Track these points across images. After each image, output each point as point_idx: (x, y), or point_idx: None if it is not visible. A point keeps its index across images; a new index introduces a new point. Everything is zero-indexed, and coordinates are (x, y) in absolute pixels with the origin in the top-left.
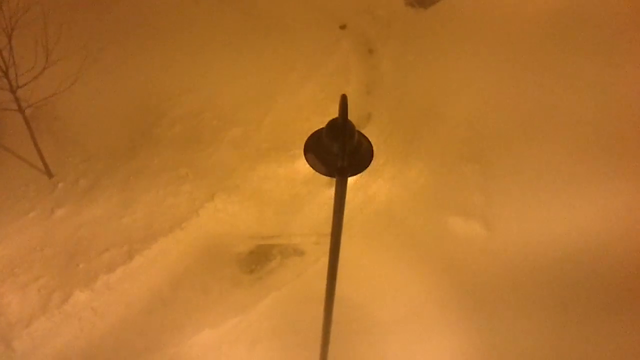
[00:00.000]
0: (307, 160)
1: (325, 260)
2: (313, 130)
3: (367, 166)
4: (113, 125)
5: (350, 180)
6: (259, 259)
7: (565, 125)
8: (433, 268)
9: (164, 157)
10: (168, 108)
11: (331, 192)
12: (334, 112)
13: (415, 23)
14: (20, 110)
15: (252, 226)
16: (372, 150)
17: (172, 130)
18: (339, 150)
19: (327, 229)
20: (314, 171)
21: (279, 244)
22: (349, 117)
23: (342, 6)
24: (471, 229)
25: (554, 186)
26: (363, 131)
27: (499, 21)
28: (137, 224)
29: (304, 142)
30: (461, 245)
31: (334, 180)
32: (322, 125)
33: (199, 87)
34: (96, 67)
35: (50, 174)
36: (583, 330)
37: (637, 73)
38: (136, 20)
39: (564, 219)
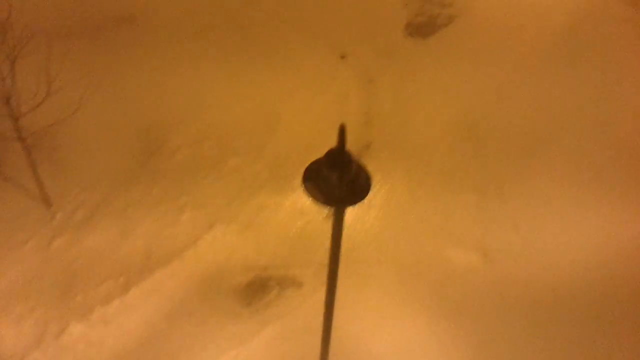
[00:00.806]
0: (305, 190)
1: (323, 291)
2: (313, 160)
3: (365, 196)
4: (112, 155)
5: (349, 210)
6: (257, 290)
7: (562, 155)
8: (431, 300)
9: (163, 187)
10: (167, 137)
11: (330, 222)
12: (333, 142)
13: (415, 52)
14: (21, 139)
15: (251, 257)
16: (370, 180)
17: (171, 160)
18: (337, 180)
19: (326, 259)
20: (313, 201)
21: (277, 275)
22: (348, 147)
23: (342, 36)
24: (469, 259)
25: (552, 215)
26: (362, 160)
27: (496, 51)
28: (135, 254)
29: (303, 171)
30: (459, 276)
31: (332, 210)
32: (322, 154)
33: (199, 116)
34: (97, 97)
35: (49, 204)
36: None
37: None
38: (137, 50)
39: (564, 247)
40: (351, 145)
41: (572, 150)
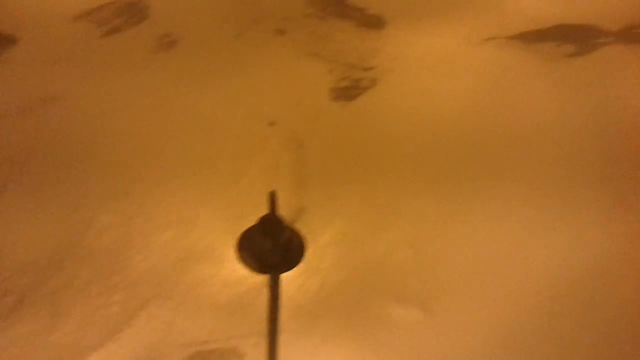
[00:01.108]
0: (240, 259)
1: None
2: (246, 228)
3: (300, 260)
4: (40, 237)
5: (285, 276)
6: None
7: (497, 206)
8: (375, 358)
9: (94, 267)
10: (96, 215)
11: (266, 289)
12: (266, 209)
13: (341, 116)
14: None
15: (189, 332)
16: (304, 244)
17: (101, 239)
18: (271, 247)
19: (265, 328)
20: (248, 270)
21: (218, 348)
22: (282, 212)
23: (270, 103)
24: (410, 315)
25: (492, 265)
26: (296, 225)
27: (418, 107)
28: (67, 340)
29: (237, 240)
30: (402, 332)
31: (268, 277)
32: (255, 222)
33: (128, 192)
34: (23, 178)
35: None
36: None
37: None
38: (63, 130)
39: (503, 297)
40: (284, 211)
41: (508, 196)
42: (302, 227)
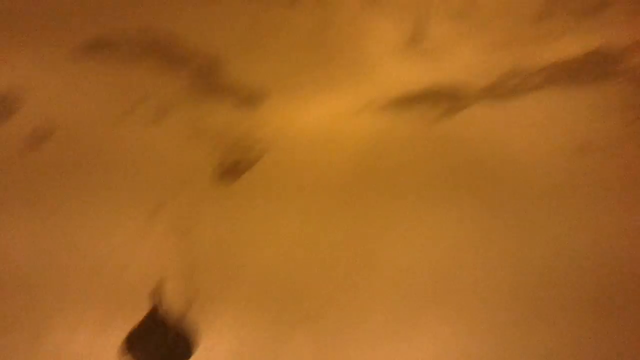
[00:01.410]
0: None
1: None
2: (130, 330)
3: (190, 356)
4: None
5: None
6: None
7: (389, 279)
8: None
9: None
10: None
11: None
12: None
13: (227, 196)
14: None
15: None
16: (193, 338)
17: None
18: (155, 347)
19: None
20: None
21: None
22: (171, 305)
23: (151, 189)
24: None
25: (392, 338)
26: (188, 316)
27: (306, 181)
28: None
29: (122, 343)
30: None
31: None
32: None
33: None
34: None
35: None
36: None
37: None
38: None
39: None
40: (174, 302)
41: (400, 275)
42: (194, 317)
